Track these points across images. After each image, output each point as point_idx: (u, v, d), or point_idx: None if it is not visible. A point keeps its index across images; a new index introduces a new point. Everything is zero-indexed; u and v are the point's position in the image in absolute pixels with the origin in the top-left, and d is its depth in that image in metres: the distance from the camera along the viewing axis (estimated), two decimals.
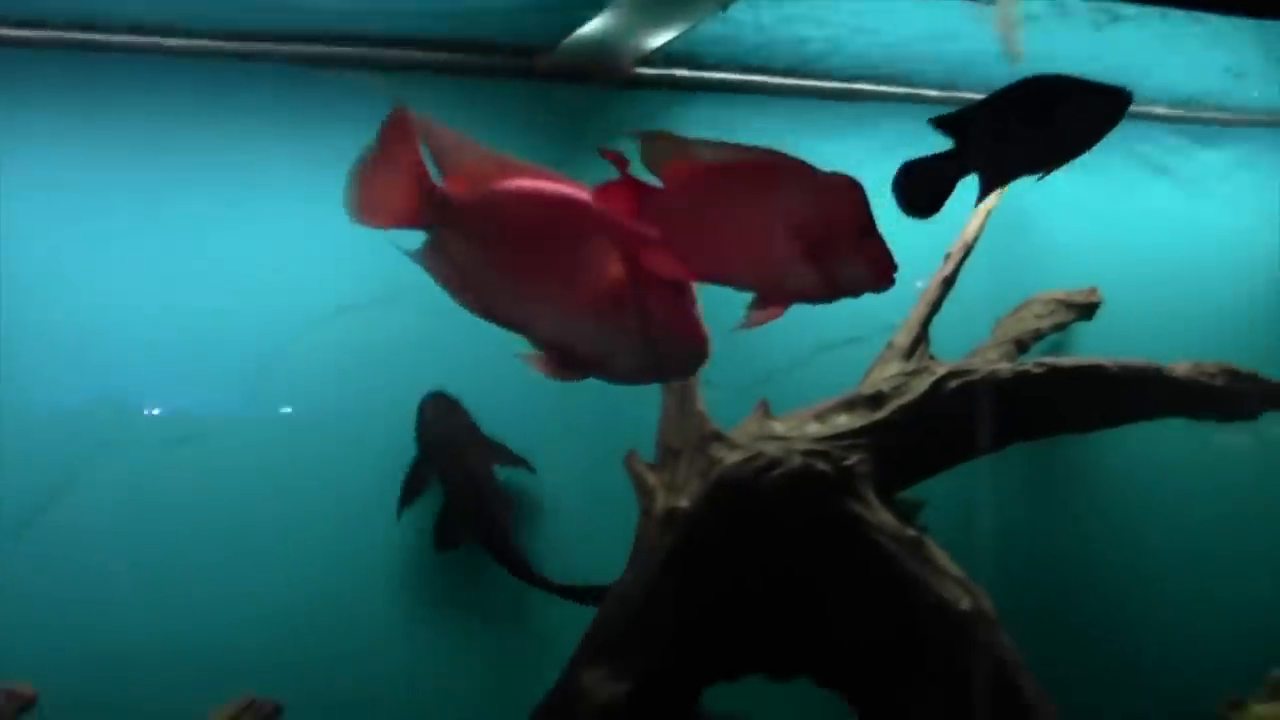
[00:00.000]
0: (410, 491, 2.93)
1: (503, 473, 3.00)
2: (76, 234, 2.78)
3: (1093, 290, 3.33)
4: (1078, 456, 3.47)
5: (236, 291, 2.87)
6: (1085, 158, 2.02)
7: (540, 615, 2.93)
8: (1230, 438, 3.41)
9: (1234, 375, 2.95)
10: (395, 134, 1.68)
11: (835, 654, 2.68)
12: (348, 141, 2.89)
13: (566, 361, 1.70)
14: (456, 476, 2.93)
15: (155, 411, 2.83)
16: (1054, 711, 2.57)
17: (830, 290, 1.67)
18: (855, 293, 1.67)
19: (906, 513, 2.78)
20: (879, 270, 1.65)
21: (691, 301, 1.68)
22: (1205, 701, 3.19)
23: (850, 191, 1.65)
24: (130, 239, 2.82)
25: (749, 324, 1.71)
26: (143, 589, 2.75)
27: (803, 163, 1.66)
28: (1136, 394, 2.90)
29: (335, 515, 2.90)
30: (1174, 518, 3.55)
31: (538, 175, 1.70)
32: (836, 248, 1.64)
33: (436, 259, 1.71)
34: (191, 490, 2.81)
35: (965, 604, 2.58)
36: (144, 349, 2.81)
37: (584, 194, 1.68)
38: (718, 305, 1.74)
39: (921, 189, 2.03)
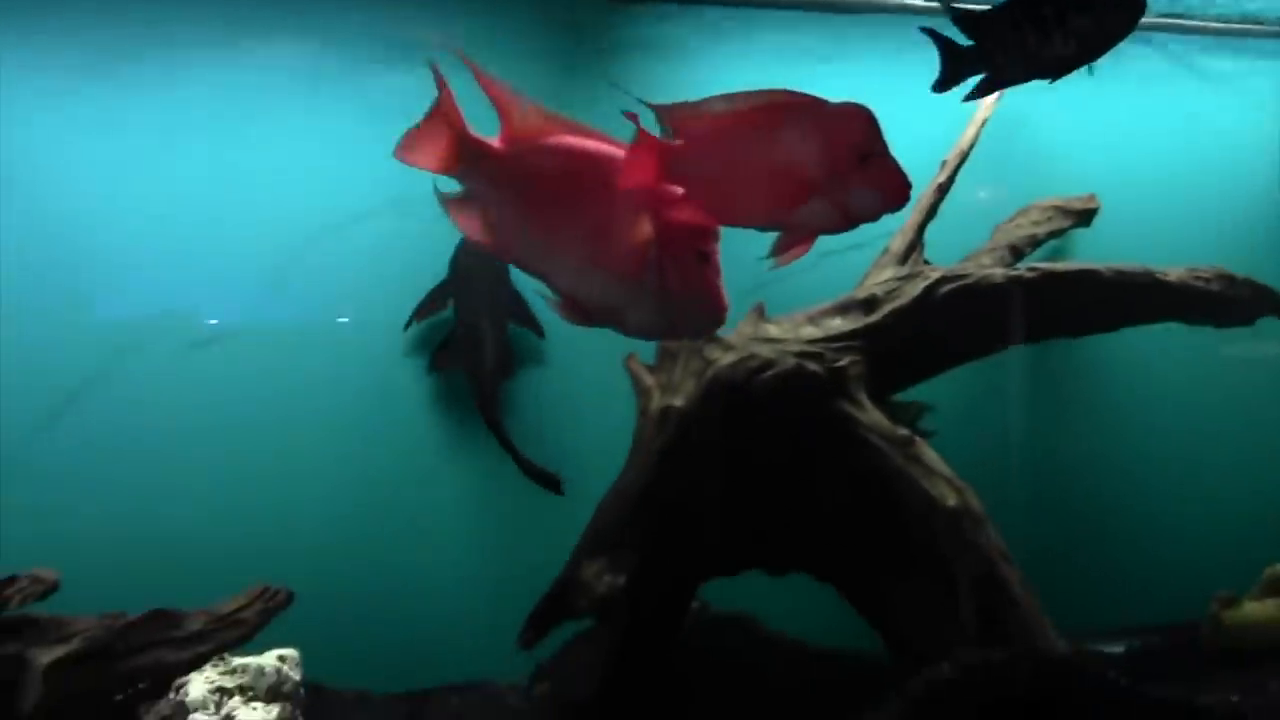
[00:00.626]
0: (424, 308, 3.02)
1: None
2: (94, 147, 2.87)
3: (1091, 197, 3.34)
4: (1074, 360, 3.50)
5: (254, 200, 2.96)
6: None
7: (556, 520, 2.97)
8: (1229, 340, 3.41)
9: (1229, 280, 2.96)
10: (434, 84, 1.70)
11: (828, 549, 2.75)
12: (358, 58, 2.95)
13: (582, 311, 1.73)
14: (470, 304, 3.01)
15: (177, 316, 2.94)
16: (1037, 605, 2.61)
17: (851, 218, 1.69)
18: (874, 216, 1.69)
19: (907, 415, 2.83)
20: (893, 190, 1.67)
21: (715, 270, 1.69)
22: (1198, 603, 3.22)
23: (858, 118, 1.67)
24: (147, 152, 2.91)
25: (778, 265, 1.74)
26: (164, 482, 2.87)
27: (810, 97, 1.68)
28: (1130, 298, 2.91)
29: (350, 414, 3.01)
30: (1170, 420, 3.58)
31: (580, 132, 1.72)
32: (851, 175, 1.66)
33: (464, 206, 1.75)
34: (211, 390, 2.93)
35: (953, 501, 2.63)
36: (165, 256, 2.91)
37: (618, 153, 1.69)
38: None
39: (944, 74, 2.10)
